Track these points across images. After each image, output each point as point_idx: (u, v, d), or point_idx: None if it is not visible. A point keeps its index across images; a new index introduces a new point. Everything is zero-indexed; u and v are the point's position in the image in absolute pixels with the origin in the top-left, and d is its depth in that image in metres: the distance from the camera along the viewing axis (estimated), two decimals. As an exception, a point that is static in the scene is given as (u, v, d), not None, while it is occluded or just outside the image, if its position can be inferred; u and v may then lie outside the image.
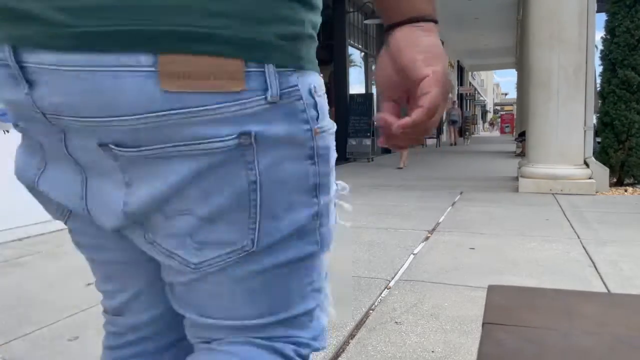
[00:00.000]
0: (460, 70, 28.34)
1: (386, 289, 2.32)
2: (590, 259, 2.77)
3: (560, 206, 4.49)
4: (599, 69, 6.05)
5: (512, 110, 45.26)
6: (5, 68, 0.54)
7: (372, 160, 10.43)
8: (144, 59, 0.49)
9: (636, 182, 5.81)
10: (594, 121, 6.18)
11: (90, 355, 1.69)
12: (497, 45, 21.80)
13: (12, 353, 1.73)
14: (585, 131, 5.43)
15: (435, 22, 0.59)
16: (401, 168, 8.56)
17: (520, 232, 3.45)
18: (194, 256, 0.59)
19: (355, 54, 11.94)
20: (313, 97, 0.59)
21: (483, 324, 0.90)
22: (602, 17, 6.18)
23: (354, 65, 11.95)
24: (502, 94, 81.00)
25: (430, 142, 18.34)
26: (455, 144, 18.78)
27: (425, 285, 2.37)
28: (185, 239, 0.58)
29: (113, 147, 0.54)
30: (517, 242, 3.16)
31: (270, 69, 0.53)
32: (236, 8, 0.51)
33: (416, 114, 0.56)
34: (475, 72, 37.17)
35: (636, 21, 5.47)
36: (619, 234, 3.37)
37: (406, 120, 0.57)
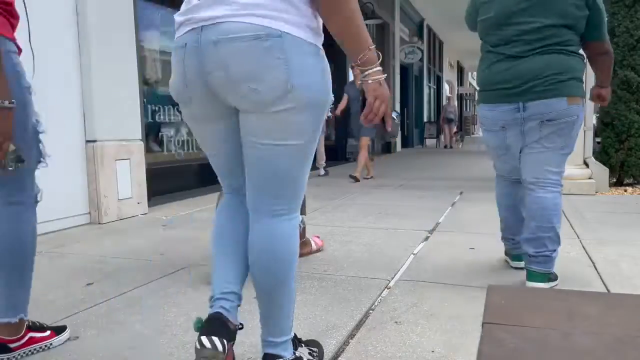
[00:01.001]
0: (460, 70, 28.32)
1: (386, 289, 2.32)
2: (590, 259, 2.77)
3: (560, 206, 4.49)
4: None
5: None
6: (515, 111, 2.26)
7: (372, 160, 10.43)
8: (564, 100, 2.20)
9: (636, 182, 5.81)
10: (594, 121, 6.18)
11: (91, 355, 1.69)
12: (497, 45, 21.72)
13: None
14: (585, 131, 5.43)
15: None
16: (367, 178, 7.16)
17: (520, 232, 3.45)
18: (545, 144, 2.27)
19: (355, 54, 11.90)
20: None
21: (483, 323, 0.90)
22: (602, 17, 6.17)
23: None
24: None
25: (430, 142, 18.34)
26: (450, 147, 16.55)
27: (425, 285, 2.37)
28: (541, 138, 2.27)
29: (546, 122, 2.21)
30: (517, 242, 3.16)
31: (583, 99, 2.25)
32: (575, 87, 2.22)
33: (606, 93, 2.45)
34: (475, 72, 37.15)
35: (635, 21, 5.48)
36: (619, 234, 3.38)
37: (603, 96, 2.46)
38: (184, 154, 6.17)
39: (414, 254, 2.92)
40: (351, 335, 1.83)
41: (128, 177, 4.32)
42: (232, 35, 1.19)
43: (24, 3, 1.70)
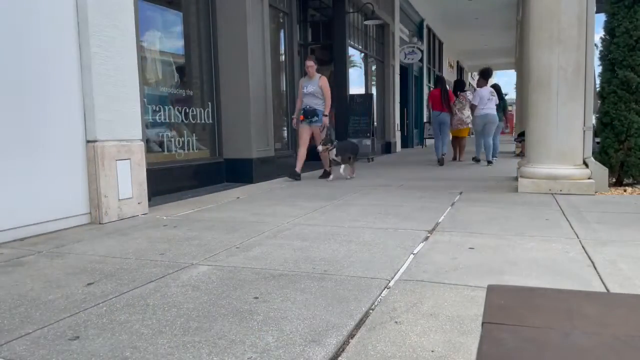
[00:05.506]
0: (460, 71, 28.30)
1: (386, 289, 2.32)
2: (590, 258, 2.77)
3: (559, 206, 4.50)
4: (598, 70, 6.05)
5: (511, 110, 45.25)
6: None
7: (372, 160, 10.44)
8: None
9: (635, 182, 5.81)
10: (593, 121, 6.19)
11: (91, 355, 1.70)
12: (497, 45, 21.78)
13: (13, 353, 1.73)
14: (584, 131, 5.43)
15: None
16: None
17: (520, 232, 3.45)
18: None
19: (355, 54, 11.95)
20: None
21: (483, 323, 0.90)
22: (601, 18, 6.18)
23: (353, 66, 11.96)
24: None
25: (430, 142, 18.33)
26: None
27: (425, 285, 2.37)
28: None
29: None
30: (517, 242, 3.16)
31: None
32: None
33: None
34: (475, 73, 37.17)
35: (635, 22, 5.48)
36: (619, 234, 3.38)
37: None
38: (184, 154, 6.17)
39: (413, 254, 2.93)
40: (351, 335, 1.83)
41: (128, 177, 4.32)
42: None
43: None
